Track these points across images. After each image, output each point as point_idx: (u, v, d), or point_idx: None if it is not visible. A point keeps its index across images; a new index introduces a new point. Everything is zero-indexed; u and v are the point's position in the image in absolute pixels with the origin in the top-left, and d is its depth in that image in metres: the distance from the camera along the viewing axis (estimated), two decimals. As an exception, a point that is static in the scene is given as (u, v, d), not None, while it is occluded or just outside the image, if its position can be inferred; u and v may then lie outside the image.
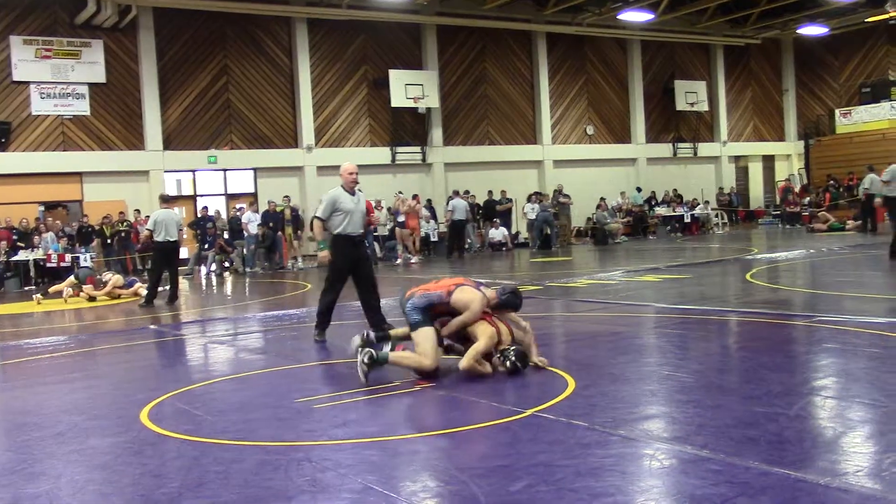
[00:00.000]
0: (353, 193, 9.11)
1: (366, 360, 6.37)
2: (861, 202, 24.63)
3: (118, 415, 6.06)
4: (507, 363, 6.53)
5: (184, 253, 22.93)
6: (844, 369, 6.41)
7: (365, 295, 9.18)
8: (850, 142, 32.47)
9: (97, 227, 21.29)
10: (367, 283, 9.16)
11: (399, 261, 21.60)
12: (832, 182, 31.22)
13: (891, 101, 32.46)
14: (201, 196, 24.35)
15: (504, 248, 24.70)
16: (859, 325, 8.17)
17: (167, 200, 15.16)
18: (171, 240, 14.27)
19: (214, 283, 19.70)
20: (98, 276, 16.27)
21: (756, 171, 36.14)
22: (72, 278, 16.49)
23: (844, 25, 32.37)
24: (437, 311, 6.70)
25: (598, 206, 27.40)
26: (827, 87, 35.58)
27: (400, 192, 23.70)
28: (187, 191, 24.49)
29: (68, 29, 22.27)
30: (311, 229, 9.82)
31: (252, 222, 21.72)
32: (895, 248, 14.54)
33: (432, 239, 24.45)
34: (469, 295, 6.66)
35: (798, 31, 33.25)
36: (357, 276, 9.16)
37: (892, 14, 28.79)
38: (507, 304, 6.89)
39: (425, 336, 6.55)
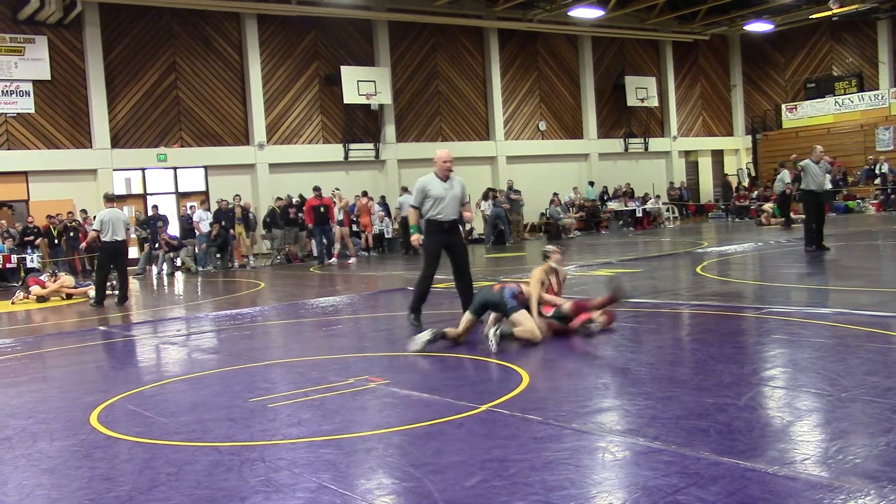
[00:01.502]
0: (445, 180, 9.30)
1: (497, 333, 7.55)
2: (778, 198, 25.42)
3: (67, 418, 5.95)
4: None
5: (133, 253, 22.67)
6: (792, 359, 6.53)
7: (457, 277, 9.40)
8: (796, 136, 33.11)
9: (42, 228, 20.88)
10: (459, 266, 9.36)
11: (333, 260, 21.18)
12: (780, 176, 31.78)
13: (835, 96, 33.17)
14: (151, 195, 24.01)
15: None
16: (806, 315, 8.34)
17: (112, 199, 14.89)
18: (119, 239, 14.04)
19: (166, 282, 19.44)
20: (44, 276, 15.95)
21: (705, 166, 36.67)
22: (67, 277, 16.09)
23: (790, 22, 32.97)
24: (520, 300, 7.90)
25: (552, 202, 27.60)
26: (773, 82, 36.22)
27: (337, 189, 23.21)
28: (137, 189, 24.13)
29: (11, 24, 21.78)
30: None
31: (203, 221, 21.46)
32: (809, 239, 14.99)
33: (386, 236, 24.40)
34: (526, 288, 8.17)
35: (745, 28, 33.79)
36: (451, 259, 9.39)
37: (835, 11, 29.39)
38: None
39: (525, 316, 7.78)
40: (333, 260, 21.13)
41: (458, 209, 9.42)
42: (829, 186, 15.32)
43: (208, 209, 22.35)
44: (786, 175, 24.59)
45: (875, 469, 3.86)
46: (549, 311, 8.26)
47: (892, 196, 28.74)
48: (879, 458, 4.00)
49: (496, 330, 7.63)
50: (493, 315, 8.01)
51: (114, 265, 14.34)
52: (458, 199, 9.38)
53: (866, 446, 4.21)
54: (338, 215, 21.76)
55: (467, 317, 8.04)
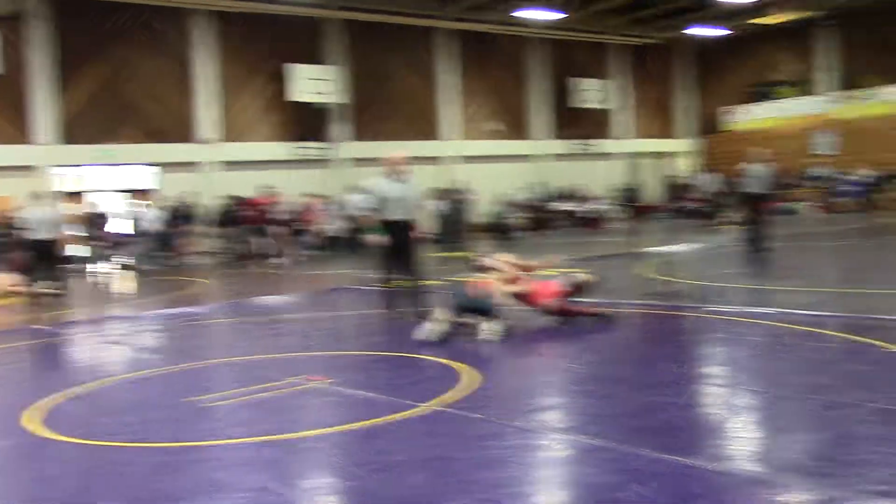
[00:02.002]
0: (400, 181, 9.49)
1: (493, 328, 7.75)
2: (704, 201, 26.35)
3: (4, 419, 5.82)
4: None
5: (73, 251, 22.23)
6: (731, 358, 6.68)
7: (405, 276, 9.65)
8: (740, 139, 33.71)
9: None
10: (407, 266, 9.64)
11: (283, 260, 20.52)
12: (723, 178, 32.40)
13: (777, 101, 33.89)
14: (96, 192, 23.53)
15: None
16: (745, 315, 8.51)
17: (40, 197, 14.50)
18: (48, 238, 13.68)
19: (109, 281, 19.09)
20: None
21: (650, 168, 37.14)
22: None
23: (736, 28, 33.56)
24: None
25: (500, 202, 27.73)
26: (718, 86, 36.81)
27: (272, 188, 22.51)
28: (82, 186, 23.64)
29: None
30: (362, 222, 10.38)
31: (150, 219, 21.12)
32: (751, 241, 15.34)
33: (336, 235, 24.26)
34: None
35: (691, 32, 34.31)
36: (402, 259, 9.62)
37: (779, 18, 30.00)
38: None
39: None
40: (283, 260, 20.86)
41: (412, 210, 9.60)
42: (767, 190, 15.76)
43: (155, 207, 21.95)
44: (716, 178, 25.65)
45: (808, 464, 3.97)
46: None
47: (831, 199, 29.44)
48: (812, 454, 4.12)
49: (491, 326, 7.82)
50: (439, 313, 8.14)
51: (45, 264, 14.00)
52: (412, 199, 9.57)
53: (800, 442, 4.33)
54: (280, 215, 21.33)
55: (446, 314, 8.08)
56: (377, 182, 9.60)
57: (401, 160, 9.60)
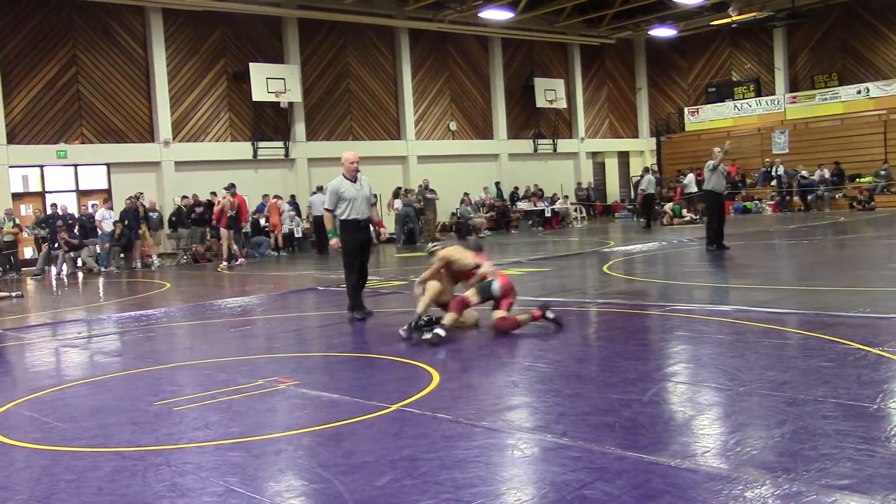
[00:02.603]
0: (354, 181, 9.61)
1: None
2: (641, 202, 26.86)
3: (-41, 425, 5.70)
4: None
5: (29, 253, 21.85)
6: (694, 356, 6.74)
7: (360, 274, 9.75)
8: (698, 139, 34.12)
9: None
10: (363, 264, 9.79)
11: (241, 261, 20.07)
12: (681, 177, 32.74)
13: (734, 100, 34.35)
14: (50, 193, 23.14)
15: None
16: (707, 313, 8.61)
17: None
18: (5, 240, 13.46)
19: (66, 283, 18.79)
20: None
21: (612, 167, 37.45)
22: None
23: (692, 28, 33.95)
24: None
25: (462, 202, 27.78)
26: (676, 86, 37.25)
27: (231, 187, 20.62)
28: (35, 187, 23.24)
29: None
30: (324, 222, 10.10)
31: (106, 220, 20.81)
32: (710, 238, 15.54)
33: (296, 235, 24.14)
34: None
35: (649, 33, 34.65)
36: (358, 257, 9.74)
37: (734, 18, 30.41)
38: None
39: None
40: (241, 261, 20.54)
41: (368, 208, 9.74)
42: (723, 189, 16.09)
43: (111, 208, 21.62)
44: (651, 180, 27.07)
45: (771, 460, 4.01)
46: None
47: (788, 197, 29.90)
48: (775, 450, 4.17)
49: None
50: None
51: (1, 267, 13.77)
52: (367, 198, 9.74)
53: (763, 438, 4.38)
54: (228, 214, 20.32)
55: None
56: (338, 183, 9.66)
57: (352, 159, 9.73)
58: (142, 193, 22.58)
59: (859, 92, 30.62)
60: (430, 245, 9.31)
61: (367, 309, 9.81)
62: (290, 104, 26.51)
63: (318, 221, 22.64)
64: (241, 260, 20.37)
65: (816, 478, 3.72)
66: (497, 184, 31.28)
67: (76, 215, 22.04)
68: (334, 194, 9.62)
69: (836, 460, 3.93)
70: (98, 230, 20.87)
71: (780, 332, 7.50)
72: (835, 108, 31.13)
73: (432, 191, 26.68)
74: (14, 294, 14.32)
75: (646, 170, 28.78)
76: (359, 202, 9.58)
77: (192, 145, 24.99)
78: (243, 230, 22.18)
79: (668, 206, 27.93)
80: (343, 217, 9.59)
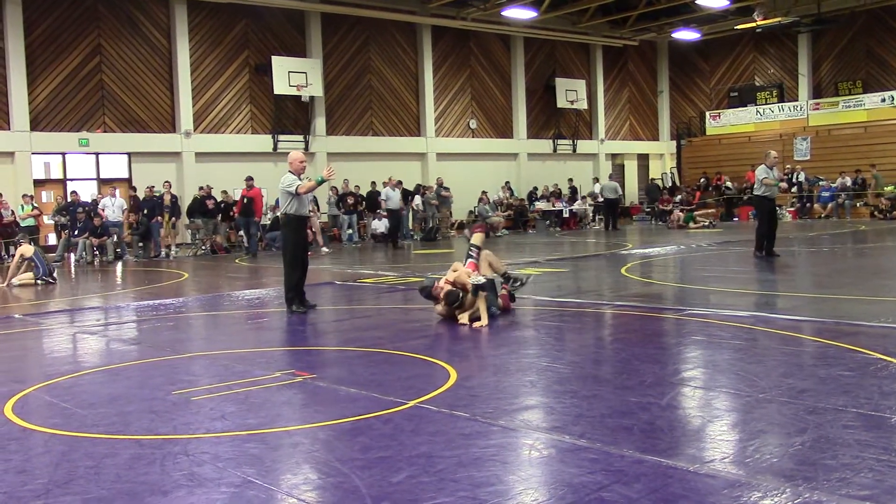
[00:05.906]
0: (301, 179, 10.05)
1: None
2: (603, 206, 28.05)
3: (-22, 409, 5.75)
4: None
5: (52, 239, 22.01)
6: (712, 360, 6.71)
7: (302, 270, 10.22)
8: (718, 143, 33.97)
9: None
10: (304, 258, 10.31)
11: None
12: (704, 180, 32.63)
13: (756, 105, 34.14)
14: (71, 180, 23.31)
15: (388, 240, 24.61)
16: (724, 318, 8.56)
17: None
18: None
19: (85, 271, 18.91)
20: None
21: (631, 169, 37.33)
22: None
23: (716, 32, 33.79)
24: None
25: (480, 200, 27.78)
26: (698, 89, 37.07)
27: (249, 179, 21.95)
28: (56, 174, 23.41)
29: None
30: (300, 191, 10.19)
31: (108, 207, 20.90)
32: (759, 244, 15.30)
33: (312, 230, 24.20)
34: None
35: (673, 35, 34.50)
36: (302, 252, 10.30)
37: (759, 22, 30.22)
38: None
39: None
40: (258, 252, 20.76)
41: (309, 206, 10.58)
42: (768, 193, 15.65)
43: (114, 196, 21.65)
44: (607, 186, 27.69)
45: (790, 468, 3.99)
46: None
47: (808, 204, 29.70)
48: (794, 458, 4.14)
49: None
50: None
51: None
52: (311, 199, 10.65)
53: (781, 446, 4.35)
54: (258, 207, 21.25)
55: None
56: (294, 179, 9.97)
57: (301, 158, 10.21)
58: (168, 182, 22.70)
59: (883, 100, 30.37)
60: (473, 278, 9.26)
61: (310, 302, 10.25)
62: (312, 98, 26.58)
63: (394, 215, 22.89)
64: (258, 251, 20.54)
65: (837, 487, 3.69)
66: (507, 183, 31.16)
67: (98, 204, 22.15)
68: (293, 185, 9.89)
69: (857, 470, 3.90)
70: (119, 219, 21.04)
71: (799, 339, 7.45)
72: (858, 115, 30.87)
73: (446, 189, 26.81)
74: (48, 279, 14.52)
75: (610, 176, 29.29)
76: (304, 200, 10.08)
77: (213, 137, 25.10)
78: (261, 223, 22.32)
79: (677, 212, 27.80)
80: (291, 212, 9.99)
